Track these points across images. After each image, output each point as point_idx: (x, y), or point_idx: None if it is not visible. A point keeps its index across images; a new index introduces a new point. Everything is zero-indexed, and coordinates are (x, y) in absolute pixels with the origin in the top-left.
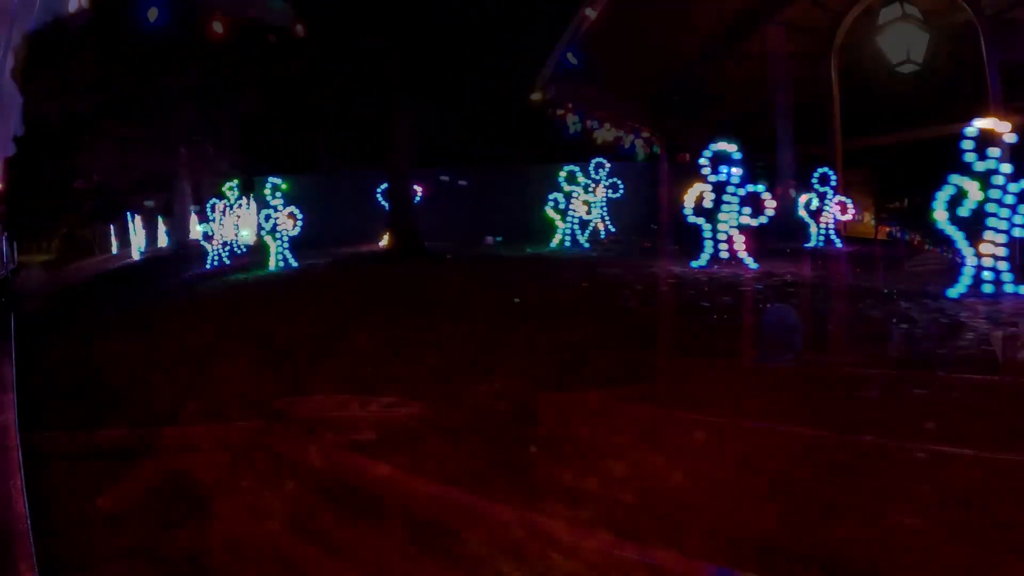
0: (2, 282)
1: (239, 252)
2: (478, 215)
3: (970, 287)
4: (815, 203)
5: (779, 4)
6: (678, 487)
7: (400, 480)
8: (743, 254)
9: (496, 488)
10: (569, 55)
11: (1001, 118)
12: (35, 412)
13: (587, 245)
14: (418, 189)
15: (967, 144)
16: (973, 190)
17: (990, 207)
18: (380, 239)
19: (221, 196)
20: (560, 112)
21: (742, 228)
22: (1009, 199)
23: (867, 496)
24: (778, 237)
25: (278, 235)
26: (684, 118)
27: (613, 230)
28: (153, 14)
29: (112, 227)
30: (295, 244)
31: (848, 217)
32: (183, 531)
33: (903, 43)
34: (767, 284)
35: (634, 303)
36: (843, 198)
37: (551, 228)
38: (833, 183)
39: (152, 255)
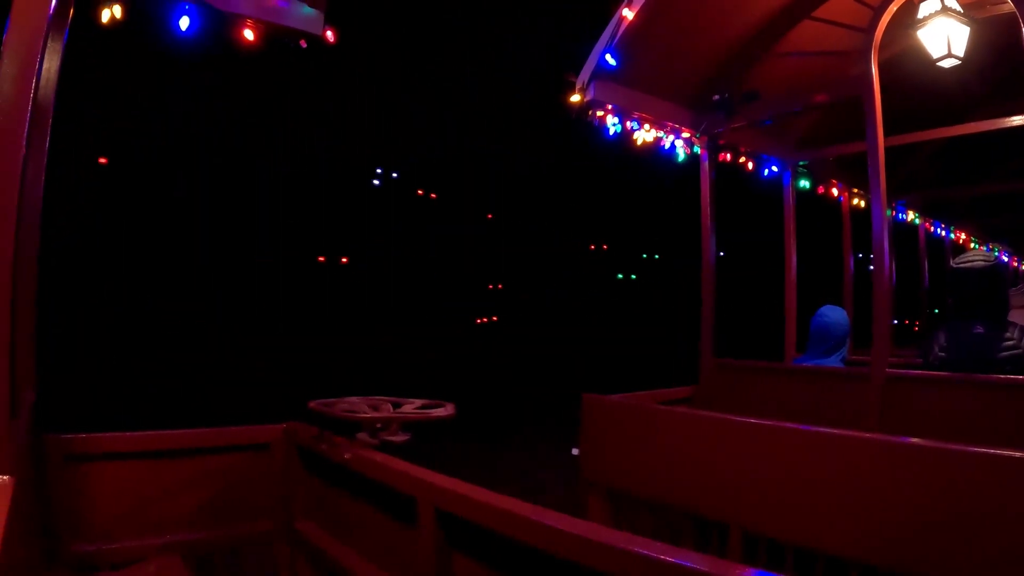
0: None
1: None
2: None
3: None
4: None
5: (816, 0)
6: None
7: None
8: None
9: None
10: (608, 56)
11: None
12: None
13: None
14: None
15: None
16: None
17: None
18: None
19: None
20: (600, 114)
21: None
22: None
23: None
24: None
25: None
26: (724, 118)
27: None
28: (185, 23)
29: None
30: None
31: None
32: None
33: (944, 36)
34: None
35: None
36: None
37: None
38: None
39: None
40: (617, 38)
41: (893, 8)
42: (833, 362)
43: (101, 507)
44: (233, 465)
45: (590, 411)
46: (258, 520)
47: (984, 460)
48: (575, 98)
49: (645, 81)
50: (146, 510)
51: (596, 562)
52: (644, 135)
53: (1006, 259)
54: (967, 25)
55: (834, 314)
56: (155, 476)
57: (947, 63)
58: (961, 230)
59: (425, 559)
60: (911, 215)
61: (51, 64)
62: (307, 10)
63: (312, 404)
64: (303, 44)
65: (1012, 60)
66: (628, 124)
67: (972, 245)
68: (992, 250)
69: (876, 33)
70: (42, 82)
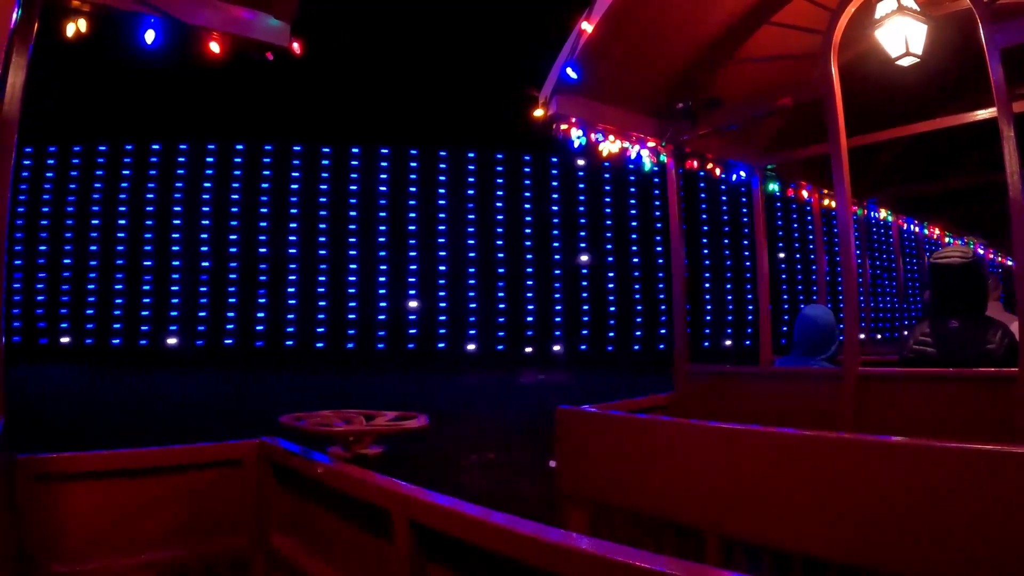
0: None
1: None
2: None
3: None
4: None
5: (775, 5)
6: None
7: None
8: None
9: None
10: (568, 70)
11: (1005, 106)
12: None
13: None
14: None
15: None
16: None
17: None
18: None
19: None
20: (564, 127)
21: None
22: None
23: None
24: None
25: None
26: (689, 125)
27: None
28: (151, 36)
29: None
30: None
31: None
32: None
33: (901, 35)
34: None
35: None
36: None
37: None
38: None
39: None
40: (577, 51)
41: (851, 9)
42: (816, 363)
43: (75, 527)
44: (207, 482)
45: (565, 423)
46: (233, 537)
47: (959, 455)
48: (538, 112)
49: (608, 93)
50: (120, 529)
51: (575, 571)
52: (609, 146)
53: (981, 251)
54: (924, 23)
55: (815, 312)
56: (129, 495)
57: (906, 61)
58: (934, 225)
59: (401, 573)
60: (883, 213)
61: (16, 79)
62: (273, 22)
63: (283, 419)
64: (269, 56)
65: (972, 55)
66: (593, 136)
67: (947, 239)
68: (968, 243)
69: (834, 35)
70: (7, 96)
